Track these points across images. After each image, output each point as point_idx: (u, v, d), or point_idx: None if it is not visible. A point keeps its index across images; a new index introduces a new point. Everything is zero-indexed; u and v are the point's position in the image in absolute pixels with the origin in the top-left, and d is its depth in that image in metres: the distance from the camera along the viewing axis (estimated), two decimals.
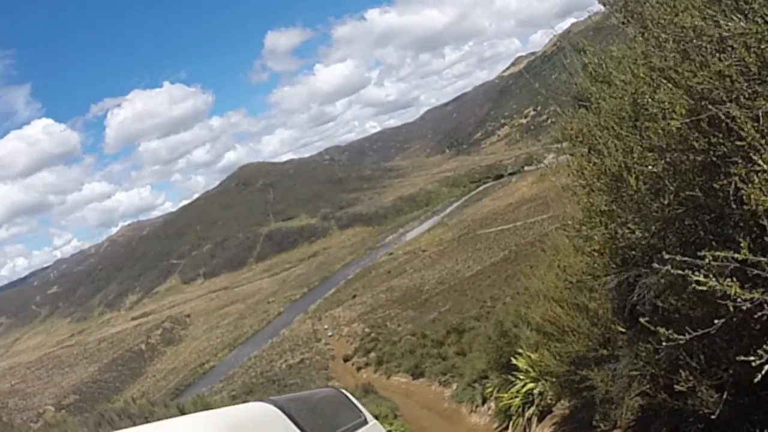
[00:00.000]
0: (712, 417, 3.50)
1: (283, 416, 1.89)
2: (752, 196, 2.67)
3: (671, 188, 3.19)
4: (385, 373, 45.06)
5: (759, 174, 2.67)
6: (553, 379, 7.90)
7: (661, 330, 3.16)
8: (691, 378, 3.48)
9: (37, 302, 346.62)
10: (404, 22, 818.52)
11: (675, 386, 3.61)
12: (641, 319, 3.48)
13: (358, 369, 52.76)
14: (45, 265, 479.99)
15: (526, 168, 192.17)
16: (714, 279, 2.57)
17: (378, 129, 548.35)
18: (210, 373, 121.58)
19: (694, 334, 2.87)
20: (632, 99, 3.41)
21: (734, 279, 2.60)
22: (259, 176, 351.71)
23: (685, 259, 2.83)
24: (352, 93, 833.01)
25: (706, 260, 2.72)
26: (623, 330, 4.85)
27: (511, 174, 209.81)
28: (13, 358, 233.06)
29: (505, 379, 12.54)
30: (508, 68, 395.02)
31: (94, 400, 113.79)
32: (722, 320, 2.79)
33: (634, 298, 3.93)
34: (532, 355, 9.64)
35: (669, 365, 3.93)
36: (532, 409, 10.46)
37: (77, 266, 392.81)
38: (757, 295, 2.67)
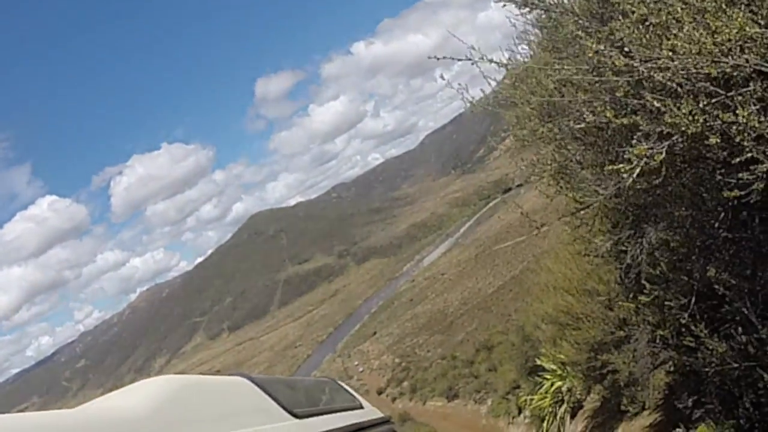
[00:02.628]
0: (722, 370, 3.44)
1: (256, 388, 1.91)
2: None
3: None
4: (420, 399, 44.86)
5: None
6: (576, 370, 7.80)
7: (648, 286, 3.15)
8: (694, 329, 3.41)
9: (67, 377, 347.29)
10: (391, 50, 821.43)
11: (684, 343, 3.55)
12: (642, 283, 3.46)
13: (393, 399, 52.54)
14: (70, 340, 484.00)
15: (532, 177, 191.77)
16: None
17: (381, 160, 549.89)
18: None
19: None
20: None
21: None
22: (269, 223, 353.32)
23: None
24: (350, 128, 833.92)
25: None
26: (627, 299, 4.79)
27: (518, 186, 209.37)
28: None
29: (534, 382, 12.40)
30: (501, 80, 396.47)
31: None
32: None
33: (628, 260, 3.88)
34: (552, 351, 9.53)
35: (676, 325, 3.87)
36: (564, 407, 10.29)
37: (102, 337, 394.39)
38: None
